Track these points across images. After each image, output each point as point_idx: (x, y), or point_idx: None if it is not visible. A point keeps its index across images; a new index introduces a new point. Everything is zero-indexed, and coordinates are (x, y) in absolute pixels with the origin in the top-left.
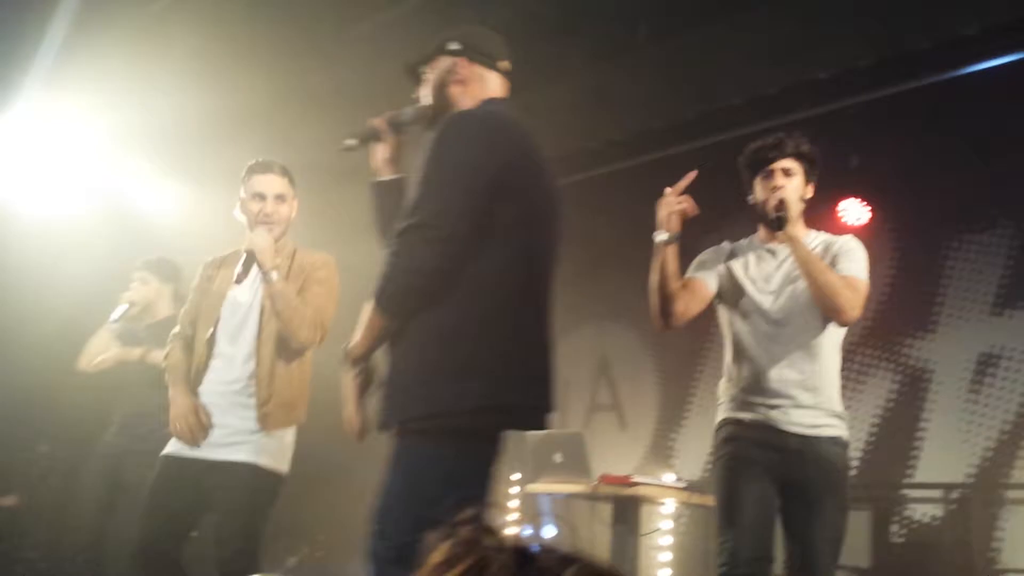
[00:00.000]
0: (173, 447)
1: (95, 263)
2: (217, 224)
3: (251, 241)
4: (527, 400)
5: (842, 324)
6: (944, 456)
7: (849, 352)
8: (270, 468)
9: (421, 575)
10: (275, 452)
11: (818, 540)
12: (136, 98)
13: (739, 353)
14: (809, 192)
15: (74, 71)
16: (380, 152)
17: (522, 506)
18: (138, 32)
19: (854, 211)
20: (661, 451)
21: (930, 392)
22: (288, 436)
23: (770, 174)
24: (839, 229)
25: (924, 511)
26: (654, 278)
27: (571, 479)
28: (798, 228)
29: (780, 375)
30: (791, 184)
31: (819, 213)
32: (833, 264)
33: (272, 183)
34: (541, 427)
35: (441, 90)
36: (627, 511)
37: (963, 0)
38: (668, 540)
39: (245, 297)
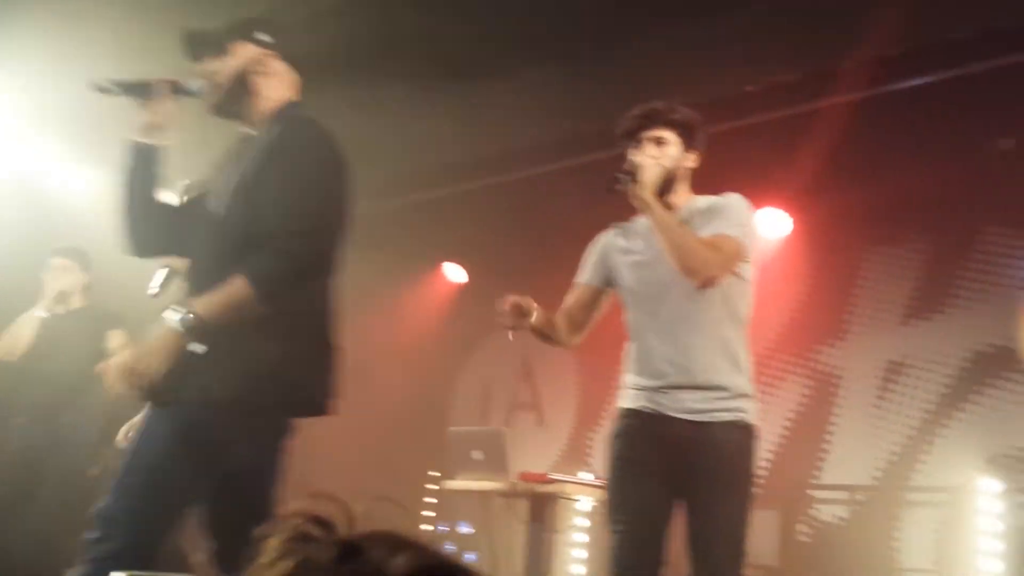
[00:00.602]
0: None
1: (3, 245)
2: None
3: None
4: (319, 397)
5: (701, 286)
6: (850, 459)
7: (763, 357)
8: None
9: (249, 574)
10: None
11: (712, 535)
12: (52, 80)
13: (631, 335)
14: (691, 161)
15: None
16: (148, 114)
17: (440, 502)
18: (56, 11)
19: (775, 221)
20: (579, 449)
21: (839, 397)
22: None
23: (641, 143)
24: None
25: (830, 511)
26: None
27: (490, 476)
28: (678, 196)
29: (664, 353)
30: (666, 153)
31: None
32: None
33: None
34: (323, 413)
35: (244, 77)
36: (544, 508)
37: (886, 22)
38: (584, 538)
39: None
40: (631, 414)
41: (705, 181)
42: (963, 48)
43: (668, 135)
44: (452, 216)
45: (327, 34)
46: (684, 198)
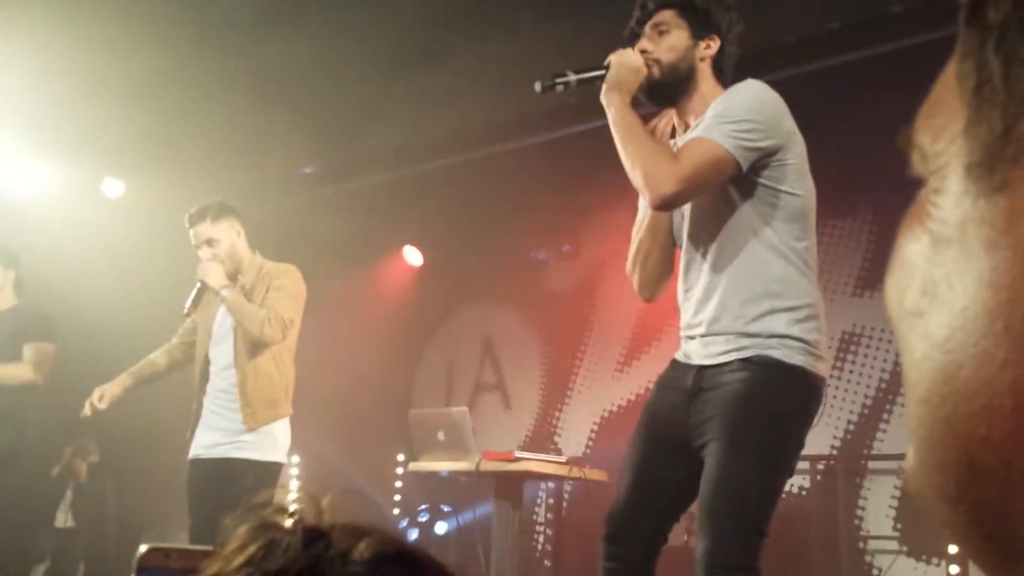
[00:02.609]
0: (192, 451)
1: None
2: (85, 204)
3: (198, 272)
4: None
5: (651, 205)
6: (811, 429)
7: None
8: (262, 460)
9: (212, 563)
10: (266, 446)
11: (710, 495)
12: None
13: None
14: (708, 50)
15: None
16: None
17: (406, 485)
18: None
19: None
20: (545, 429)
21: None
22: (277, 430)
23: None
24: None
25: (792, 481)
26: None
27: (454, 457)
28: (699, 98)
29: (691, 295)
30: (665, 43)
31: None
32: None
33: (198, 233)
34: None
35: None
36: (510, 487)
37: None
38: (550, 515)
39: (226, 317)
40: (671, 365)
41: None
42: (901, 21)
43: (669, 18)
44: (407, 199)
45: (293, 27)
46: (708, 100)
